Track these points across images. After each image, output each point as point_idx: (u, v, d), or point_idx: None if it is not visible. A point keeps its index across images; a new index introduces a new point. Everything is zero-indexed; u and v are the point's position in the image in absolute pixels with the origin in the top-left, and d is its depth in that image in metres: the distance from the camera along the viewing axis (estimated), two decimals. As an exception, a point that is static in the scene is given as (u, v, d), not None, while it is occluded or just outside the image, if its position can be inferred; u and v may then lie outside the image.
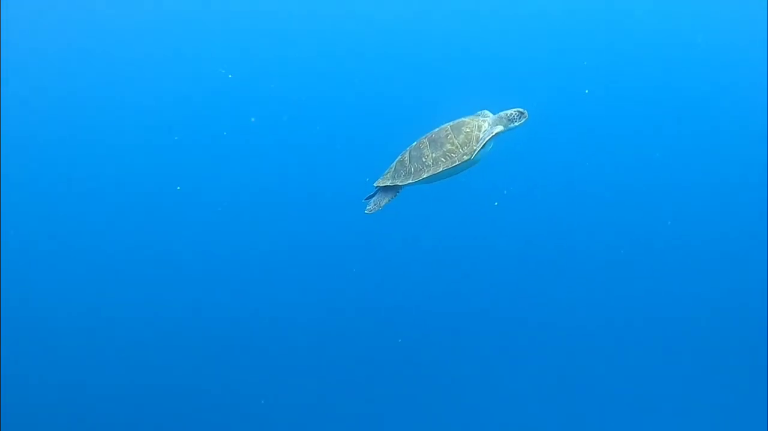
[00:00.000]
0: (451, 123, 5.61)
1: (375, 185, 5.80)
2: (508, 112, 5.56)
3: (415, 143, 5.69)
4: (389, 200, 5.74)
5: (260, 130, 13.22)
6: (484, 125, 5.46)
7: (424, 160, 5.47)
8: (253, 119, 13.27)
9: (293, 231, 11.12)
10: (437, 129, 5.63)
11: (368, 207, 5.72)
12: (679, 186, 11.67)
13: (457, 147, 5.38)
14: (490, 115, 5.52)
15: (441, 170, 5.37)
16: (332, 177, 11.69)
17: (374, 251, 10.62)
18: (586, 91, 12.67)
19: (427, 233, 10.76)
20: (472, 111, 5.87)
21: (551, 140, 12.09)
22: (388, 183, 5.66)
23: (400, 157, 5.75)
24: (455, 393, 9.42)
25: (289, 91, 13.92)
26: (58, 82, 13.23)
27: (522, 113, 5.56)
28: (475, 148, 5.34)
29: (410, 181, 5.50)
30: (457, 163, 5.34)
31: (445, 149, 5.41)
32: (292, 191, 11.97)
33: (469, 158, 5.34)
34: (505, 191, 11.15)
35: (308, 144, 13.09)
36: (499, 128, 5.47)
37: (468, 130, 5.41)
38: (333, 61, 14.48)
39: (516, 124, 5.57)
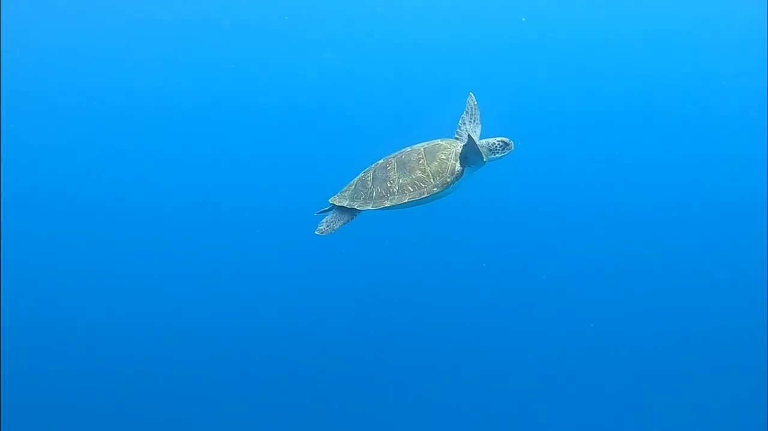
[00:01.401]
0: (425, 144, 4.89)
1: (330, 201, 5.09)
2: (491, 141, 4.86)
3: (383, 160, 4.96)
4: (344, 223, 5.03)
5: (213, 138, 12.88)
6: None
7: (389, 185, 4.76)
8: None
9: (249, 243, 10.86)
10: (409, 149, 4.91)
11: (320, 227, 4.99)
12: (676, 195, 11.60)
13: (428, 176, 4.68)
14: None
15: (406, 200, 4.67)
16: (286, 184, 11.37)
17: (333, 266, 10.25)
18: (523, 19, 12.33)
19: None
20: (452, 112, 5.18)
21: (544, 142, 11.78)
22: (344, 204, 4.95)
23: (362, 174, 5.03)
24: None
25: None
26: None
27: (506, 144, 4.87)
28: (448, 180, 4.65)
29: (369, 207, 4.79)
30: (425, 195, 4.65)
31: (414, 177, 4.70)
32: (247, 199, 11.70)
33: (440, 191, 4.66)
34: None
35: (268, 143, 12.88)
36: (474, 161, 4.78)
37: (443, 157, 4.70)
38: (291, 62, 13.78)
39: (497, 155, 4.89)
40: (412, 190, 4.67)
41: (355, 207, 4.85)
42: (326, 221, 4.97)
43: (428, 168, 4.69)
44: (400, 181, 4.72)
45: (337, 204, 4.99)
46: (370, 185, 4.87)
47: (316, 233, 5.00)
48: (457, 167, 4.67)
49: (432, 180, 4.66)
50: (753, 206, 10.84)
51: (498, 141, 4.85)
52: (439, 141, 4.86)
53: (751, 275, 10.00)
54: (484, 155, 4.79)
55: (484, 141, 4.85)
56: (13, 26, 11.61)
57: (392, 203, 4.69)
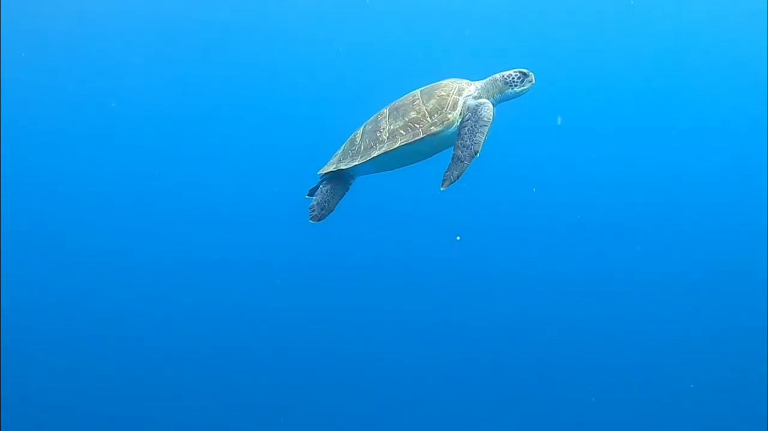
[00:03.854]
0: (424, 87, 4.01)
1: (319, 173, 4.23)
2: (506, 73, 3.88)
3: (375, 114, 4.12)
4: (339, 198, 4.11)
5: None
6: (470, 89, 3.80)
7: (378, 134, 3.86)
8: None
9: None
10: (405, 96, 4.04)
11: (312, 212, 4.09)
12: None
13: (424, 115, 3.74)
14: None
15: (398, 145, 3.71)
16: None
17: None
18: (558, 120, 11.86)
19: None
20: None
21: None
22: (332, 169, 4.07)
23: (353, 134, 4.19)
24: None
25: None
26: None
27: (525, 75, 3.86)
28: (449, 117, 3.68)
29: (357, 162, 3.87)
30: (421, 136, 3.67)
31: (407, 119, 3.77)
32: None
33: (439, 131, 3.67)
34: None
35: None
36: (489, 96, 3.79)
37: (443, 93, 3.77)
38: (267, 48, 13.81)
39: (516, 89, 3.87)
40: (404, 133, 3.73)
41: (342, 167, 3.95)
42: (317, 203, 4.07)
43: (424, 107, 3.76)
44: (391, 127, 3.81)
45: (326, 173, 4.13)
46: (359, 140, 3.99)
47: (310, 220, 4.11)
48: (460, 101, 3.70)
49: (429, 119, 3.70)
50: (753, 206, 10.72)
51: (515, 72, 3.86)
52: (440, 81, 3.95)
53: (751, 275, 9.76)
54: (499, 92, 3.83)
55: (498, 75, 3.88)
56: (13, 26, 11.98)
57: (381, 152, 3.75)
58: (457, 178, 3.50)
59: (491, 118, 3.61)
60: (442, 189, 3.52)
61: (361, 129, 4.06)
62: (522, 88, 3.86)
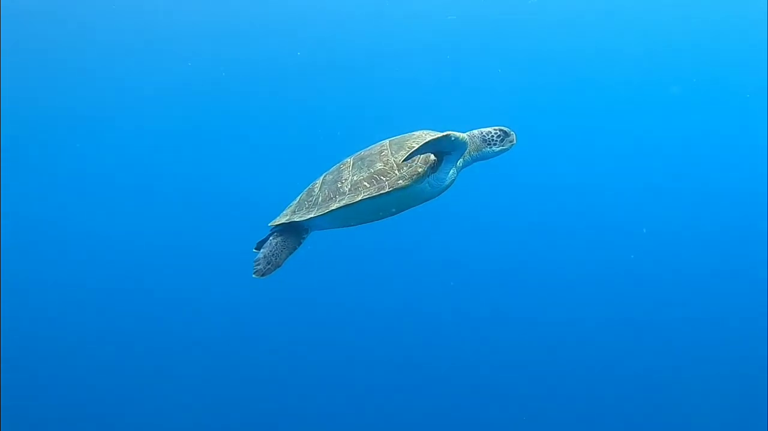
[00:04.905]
0: (394, 137, 3.63)
1: (270, 224, 3.75)
2: (485, 130, 3.55)
3: (338, 164, 3.70)
4: (289, 253, 3.61)
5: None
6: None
7: (339, 185, 3.42)
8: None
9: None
10: (373, 145, 3.65)
11: (257, 266, 3.57)
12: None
13: (392, 167, 3.33)
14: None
15: (360, 198, 3.28)
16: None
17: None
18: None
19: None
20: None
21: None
22: (284, 220, 3.60)
23: (311, 184, 3.75)
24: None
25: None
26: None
27: (506, 134, 3.54)
28: (419, 171, 3.28)
29: (313, 214, 3.41)
30: (386, 190, 3.25)
31: (373, 170, 3.36)
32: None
33: (408, 185, 3.26)
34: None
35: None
36: (464, 153, 3.42)
37: (414, 145, 3.39)
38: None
39: (495, 149, 3.53)
40: (368, 185, 3.31)
41: (295, 219, 3.48)
42: (263, 256, 3.56)
43: (393, 159, 3.36)
44: (354, 178, 3.39)
45: (277, 225, 3.65)
46: (317, 191, 3.55)
47: (254, 274, 3.59)
48: (433, 155, 3.32)
49: (397, 172, 3.30)
50: (753, 205, 10.81)
51: (495, 130, 3.53)
52: (414, 132, 3.58)
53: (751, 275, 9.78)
54: (475, 149, 3.47)
55: (477, 131, 3.54)
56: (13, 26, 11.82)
57: (341, 204, 3.31)
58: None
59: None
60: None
61: (321, 179, 3.64)
62: (501, 147, 3.53)
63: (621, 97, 13.33)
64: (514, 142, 3.54)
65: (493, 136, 3.51)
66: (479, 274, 10.05)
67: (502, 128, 3.54)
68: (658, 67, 13.17)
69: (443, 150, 3.22)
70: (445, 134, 3.07)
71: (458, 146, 3.20)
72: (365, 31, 13.56)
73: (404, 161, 3.19)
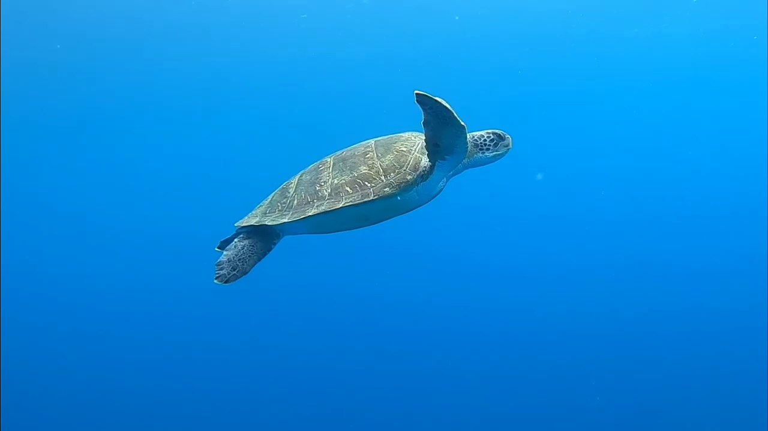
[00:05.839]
0: (379, 138, 3.30)
1: (237, 225, 3.39)
2: (477, 134, 3.25)
3: (316, 162, 3.36)
4: (257, 259, 3.23)
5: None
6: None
7: (318, 188, 3.08)
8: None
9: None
10: (356, 145, 3.32)
11: (219, 270, 3.19)
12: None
13: (378, 172, 3.01)
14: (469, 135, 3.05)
15: (341, 205, 2.96)
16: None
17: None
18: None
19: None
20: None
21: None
22: (254, 222, 3.24)
23: (285, 183, 3.40)
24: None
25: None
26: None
27: (501, 138, 3.25)
28: (408, 178, 2.97)
29: (286, 219, 3.07)
30: (371, 197, 2.94)
31: (356, 174, 3.03)
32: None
33: (394, 193, 2.96)
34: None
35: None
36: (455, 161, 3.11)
37: (403, 149, 3.07)
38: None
39: (488, 154, 3.24)
40: (350, 191, 2.98)
41: (266, 223, 3.14)
42: (227, 259, 3.16)
43: (378, 163, 3.04)
44: (335, 181, 3.05)
45: (244, 226, 3.29)
46: (292, 192, 3.20)
47: (215, 280, 3.20)
48: (424, 160, 3.01)
49: (383, 178, 2.98)
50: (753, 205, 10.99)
51: (488, 134, 3.24)
52: (401, 134, 3.26)
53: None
54: (468, 154, 3.17)
55: (468, 135, 3.24)
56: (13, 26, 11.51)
57: (319, 211, 2.97)
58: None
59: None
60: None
61: (297, 178, 3.28)
62: (495, 153, 3.24)
63: (621, 98, 13.45)
64: (510, 146, 3.26)
65: (486, 140, 3.22)
66: (479, 274, 10.13)
67: (496, 131, 3.25)
68: (658, 67, 13.27)
69: (443, 140, 2.83)
70: (462, 122, 2.74)
71: (458, 146, 2.89)
72: (358, 30, 13.19)
73: (418, 100, 2.68)
